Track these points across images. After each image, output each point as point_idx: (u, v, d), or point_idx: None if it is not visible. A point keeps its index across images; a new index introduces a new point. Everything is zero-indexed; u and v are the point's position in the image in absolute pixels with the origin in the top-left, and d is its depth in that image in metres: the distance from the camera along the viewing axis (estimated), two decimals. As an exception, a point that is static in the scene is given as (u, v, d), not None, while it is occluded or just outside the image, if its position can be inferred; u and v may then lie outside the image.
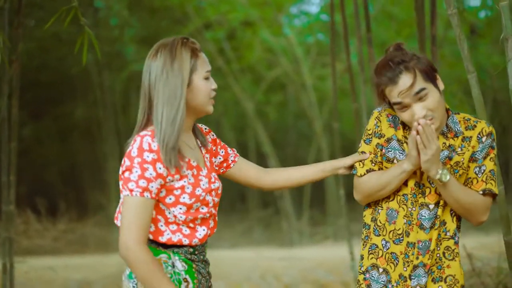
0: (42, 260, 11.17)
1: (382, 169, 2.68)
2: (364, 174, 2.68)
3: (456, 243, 2.67)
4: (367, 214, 2.73)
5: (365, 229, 2.73)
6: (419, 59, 2.56)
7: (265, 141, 16.50)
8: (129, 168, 2.35)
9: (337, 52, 9.38)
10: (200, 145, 2.59)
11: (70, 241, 14.57)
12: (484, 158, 2.65)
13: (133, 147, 2.35)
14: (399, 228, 2.64)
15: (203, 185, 2.44)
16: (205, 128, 2.69)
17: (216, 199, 2.52)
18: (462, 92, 10.06)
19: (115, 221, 2.53)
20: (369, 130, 2.71)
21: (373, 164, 2.69)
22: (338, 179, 8.72)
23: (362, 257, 2.73)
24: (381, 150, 2.68)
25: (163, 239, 2.40)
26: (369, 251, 2.70)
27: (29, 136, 17.21)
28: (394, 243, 2.65)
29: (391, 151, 2.67)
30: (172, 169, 2.36)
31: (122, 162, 2.40)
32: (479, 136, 2.64)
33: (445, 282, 2.64)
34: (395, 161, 2.65)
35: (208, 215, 2.46)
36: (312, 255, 11.55)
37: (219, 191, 2.54)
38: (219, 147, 2.73)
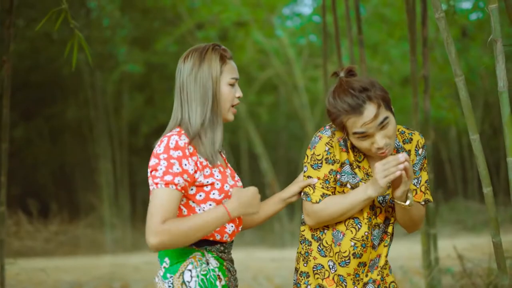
0: (33, 261, 11.15)
1: (334, 193, 2.64)
2: (319, 200, 2.61)
3: (391, 240, 2.70)
4: (306, 230, 2.68)
5: (305, 244, 2.68)
6: (378, 86, 2.52)
7: (257, 142, 16.52)
8: (155, 166, 2.39)
9: (329, 54, 9.39)
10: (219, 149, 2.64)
11: (61, 242, 14.54)
12: (420, 169, 2.66)
13: (160, 147, 2.42)
14: (345, 251, 2.60)
15: (230, 181, 2.50)
16: None
17: None
18: (453, 95, 10.10)
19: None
20: (319, 155, 2.62)
21: (326, 189, 2.62)
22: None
23: (307, 275, 2.67)
24: (335, 175, 2.62)
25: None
26: (314, 270, 2.64)
27: (21, 136, 17.16)
28: (340, 266, 2.61)
29: (344, 175, 2.62)
30: (212, 161, 2.45)
31: (150, 162, 2.44)
32: (416, 148, 2.66)
33: None
34: (348, 185, 2.61)
35: None
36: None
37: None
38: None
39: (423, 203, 2.66)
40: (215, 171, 2.47)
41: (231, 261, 2.56)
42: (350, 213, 2.58)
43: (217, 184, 2.45)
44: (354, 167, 2.62)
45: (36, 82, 16.52)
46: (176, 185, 2.36)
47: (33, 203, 15.47)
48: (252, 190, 2.46)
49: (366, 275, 2.61)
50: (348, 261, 2.60)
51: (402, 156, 2.45)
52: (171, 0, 14.97)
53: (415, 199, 2.65)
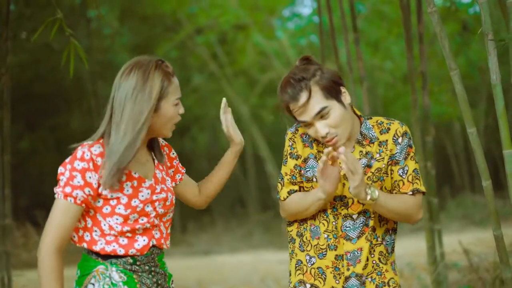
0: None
1: (303, 188, 2.66)
2: (286, 197, 2.65)
3: (386, 246, 2.63)
4: (293, 229, 2.70)
5: (291, 243, 2.71)
6: (322, 75, 2.51)
7: (262, 145, 16.52)
8: (59, 175, 2.40)
9: (328, 53, 9.39)
10: (153, 158, 2.59)
11: (69, 252, 14.52)
12: (405, 158, 2.59)
13: (71, 156, 2.41)
14: (322, 244, 2.61)
15: (142, 196, 2.44)
16: (162, 142, 2.69)
17: (161, 210, 2.50)
18: (451, 90, 10.08)
19: None
20: (285, 151, 2.68)
21: (293, 185, 2.65)
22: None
23: (290, 273, 2.71)
24: (300, 171, 2.64)
25: (96, 248, 2.42)
26: (295, 267, 2.67)
27: (26, 148, 17.21)
28: (319, 258, 2.62)
29: (309, 170, 2.63)
30: (110, 187, 2.38)
31: (58, 168, 2.44)
32: (394, 138, 2.58)
33: (389, 285, 2.62)
34: (314, 179, 2.61)
35: (149, 225, 2.46)
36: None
37: (167, 203, 2.53)
38: (174, 164, 2.73)
39: (410, 193, 2.58)
40: (126, 185, 2.42)
41: (153, 272, 2.50)
42: (309, 211, 2.59)
43: (123, 198, 2.41)
44: (316, 159, 2.62)
45: (39, 93, 16.56)
46: (74, 198, 2.36)
47: (40, 214, 15.49)
48: None
49: (348, 269, 2.59)
50: (325, 253, 2.61)
51: (341, 149, 2.42)
52: (170, 6, 15.00)
53: (402, 190, 2.59)
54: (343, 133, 2.53)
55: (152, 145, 2.60)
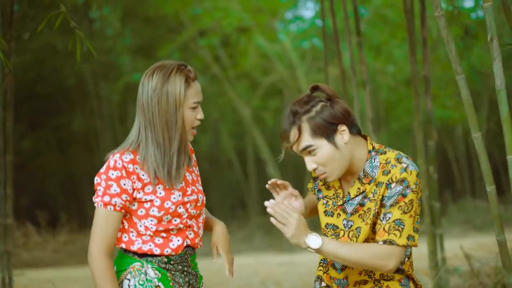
0: (42, 272, 11.15)
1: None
2: None
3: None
4: None
5: None
6: (318, 112, 2.48)
7: (263, 147, 16.51)
8: (97, 185, 2.53)
9: (331, 57, 9.39)
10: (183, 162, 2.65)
11: (70, 252, 14.54)
12: (392, 205, 2.46)
13: (104, 166, 2.53)
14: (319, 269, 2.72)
15: (174, 198, 2.53)
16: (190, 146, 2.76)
17: (194, 211, 2.60)
18: (458, 94, 10.08)
19: None
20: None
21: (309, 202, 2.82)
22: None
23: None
24: (314, 190, 2.78)
25: (134, 248, 2.54)
26: (320, 262, 2.78)
27: (28, 148, 17.22)
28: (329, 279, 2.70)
29: (318, 191, 2.74)
30: (176, 183, 2.52)
31: (95, 179, 2.56)
32: (388, 182, 2.47)
33: None
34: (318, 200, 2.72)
35: (182, 226, 2.56)
36: (312, 260, 11.52)
37: (199, 204, 2.62)
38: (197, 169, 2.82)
39: (381, 242, 2.46)
40: (158, 187, 2.52)
41: (186, 272, 2.60)
42: None
43: (156, 201, 2.51)
44: (322, 183, 2.68)
45: (41, 94, 16.58)
46: (114, 205, 2.49)
47: (41, 214, 15.51)
48: None
49: None
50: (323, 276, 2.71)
51: (267, 203, 2.45)
52: (173, 8, 15.01)
53: (376, 236, 2.49)
54: (333, 171, 2.51)
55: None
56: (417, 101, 5.40)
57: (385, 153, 2.54)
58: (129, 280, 2.53)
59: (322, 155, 2.48)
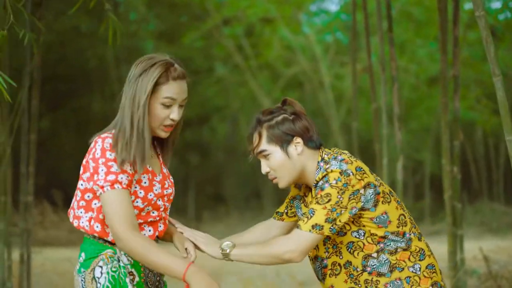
0: (57, 251, 11.24)
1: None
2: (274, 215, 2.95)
3: (370, 272, 2.63)
4: None
5: None
6: (277, 122, 2.68)
7: (281, 139, 16.50)
8: (96, 169, 2.46)
9: (357, 52, 9.35)
10: (158, 153, 2.68)
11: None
12: (311, 202, 2.65)
13: (96, 149, 2.48)
14: None
15: (156, 190, 2.54)
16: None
17: (167, 204, 2.62)
18: (484, 95, 10.02)
19: (68, 216, 2.64)
20: None
21: (281, 209, 2.94)
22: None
23: None
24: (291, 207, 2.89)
25: (109, 238, 2.49)
26: None
27: (47, 128, 17.31)
28: None
29: (296, 209, 2.83)
30: (137, 168, 2.46)
31: (85, 163, 2.52)
32: (314, 185, 2.66)
33: None
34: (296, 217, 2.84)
35: (158, 218, 2.57)
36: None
37: (171, 197, 2.65)
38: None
39: (295, 229, 2.62)
40: (144, 177, 2.51)
41: None
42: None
43: (140, 192, 2.50)
44: (301, 201, 2.80)
45: (63, 75, 16.64)
46: (120, 183, 2.42)
47: (58, 194, 15.60)
48: (215, 285, 2.43)
49: None
50: None
51: (173, 222, 2.74)
52: (199, -5, 15.03)
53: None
54: (282, 177, 2.69)
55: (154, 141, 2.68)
56: (445, 100, 5.36)
57: (328, 161, 2.66)
58: (101, 267, 2.48)
59: (274, 161, 2.68)
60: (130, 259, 2.49)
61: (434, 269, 2.66)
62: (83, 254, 2.52)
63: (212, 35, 16.04)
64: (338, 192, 2.54)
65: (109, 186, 2.42)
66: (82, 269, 2.50)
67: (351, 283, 2.64)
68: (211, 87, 17.61)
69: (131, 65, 2.57)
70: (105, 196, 2.42)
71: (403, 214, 2.64)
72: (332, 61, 16.64)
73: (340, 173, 2.56)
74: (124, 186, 2.42)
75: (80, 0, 4.07)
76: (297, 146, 2.68)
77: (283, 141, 2.67)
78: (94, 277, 2.47)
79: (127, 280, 2.48)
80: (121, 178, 2.42)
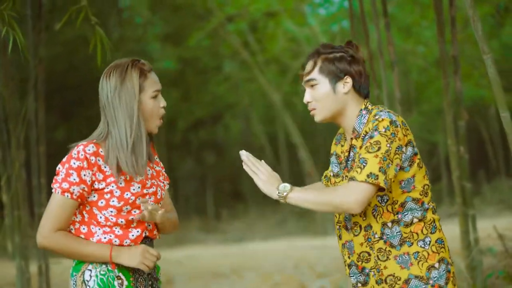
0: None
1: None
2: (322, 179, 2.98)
3: (385, 241, 2.65)
4: None
5: None
6: (334, 56, 2.70)
7: (294, 132, 16.51)
8: (58, 171, 2.60)
9: (358, 38, 9.32)
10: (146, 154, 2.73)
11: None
12: (360, 147, 2.64)
13: (68, 155, 2.60)
14: (337, 234, 2.82)
15: (133, 189, 2.61)
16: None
17: (152, 203, 2.64)
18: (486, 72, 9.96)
19: None
20: None
21: (328, 171, 2.93)
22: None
23: None
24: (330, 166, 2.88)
25: (93, 239, 2.59)
26: None
27: (61, 138, 17.41)
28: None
29: (332, 165, 2.84)
30: (139, 174, 2.58)
31: (57, 166, 2.63)
32: (363, 135, 2.66)
33: (386, 282, 2.66)
34: (331, 174, 2.84)
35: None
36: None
37: (158, 197, 2.70)
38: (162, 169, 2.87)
39: (348, 181, 2.61)
40: (120, 178, 2.60)
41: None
42: None
43: (116, 192, 2.59)
44: (339, 156, 2.82)
45: (73, 84, 16.74)
46: (71, 194, 2.56)
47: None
48: (141, 248, 2.59)
49: (349, 257, 2.73)
50: (338, 242, 2.82)
51: (241, 152, 2.69)
52: (201, -5, 15.05)
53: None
54: (321, 110, 2.73)
55: None
56: (446, 81, 5.35)
57: (374, 110, 2.70)
58: (90, 270, 2.58)
59: (319, 91, 2.71)
60: (117, 263, 2.59)
61: (443, 244, 2.68)
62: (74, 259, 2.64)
63: (217, 33, 16.06)
64: (387, 141, 2.57)
65: (60, 191, 2.56)
66: (74, 273, 2.61)
67: (366, 247, 2.67)
68: (221, 85, 17.63)
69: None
70: (52, 197, 2.58)
71: (427, 184, 2.68)
72: (339, 51, 16.58)
73: (390, 122, 2.59)
74: (74, 197, 2.56)
75: (65, 16, 4.09)
76: (345, 85, 2.70)
77: (334, 76, 2.69)
78: (84, 280, 2.58)
79: (116, 283, 2.58)
80: (73, 189, 2.55)
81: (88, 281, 2.57)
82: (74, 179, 2.54)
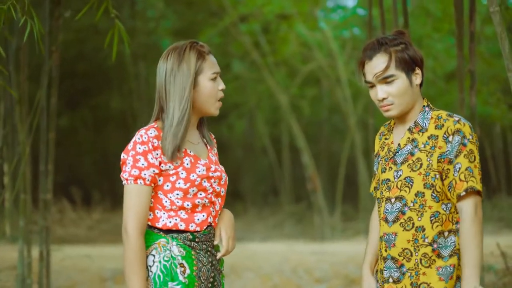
0: (77, 248, 11.33)
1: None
2: (372, 191, 2.87)
3: (435, 250, 2.60)
4: None
5: None
6: (404, 48, 2.64)
7: (299, 135, 16.51)
8: (124, 160, 2.58)
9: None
10: (205, 142, 2.75)
11: (104, 230, 14.73)
12: (456, 156, 2.58)
13: (131, 141, 2.59)
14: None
15: (199, 171, 2.60)
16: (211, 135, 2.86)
17: (218, 188, 2.66)
18: (500, 91, 9.95)
19: None
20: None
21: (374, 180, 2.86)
22: (371, 176, 8.68)
23: None
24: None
25: (159, 225, 2.58)
26: None
27: (66, 125, 17.43)
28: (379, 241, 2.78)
29: (376, 165, 2.81)
30: (170, 158, 2.56)
31: (121, 155, 2.62)
32: (444, 135, 2.60)
33: None
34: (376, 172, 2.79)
35: (207, 201, 2.62)
36: (344, 250, 11.55)
37: (222, 182, 2.68)
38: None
39: (463, 193, 2.56)
40: (185, 159, 2.59)
41: (209, 252, 2.64)
42: None
43: (182, 173, 2.58)
44: (379, 158, 2.77)
45: (81, 72, 16.76)
46: (144, 179, 2.54)
47: (76, 191, 15.72)
48: None
49: (386, 250, 2.67)
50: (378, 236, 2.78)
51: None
52: (216, -8, 15.05)
53: (456, 189, 2.57)
54: (399, 105, 2.64)
55: (202, 131, 2.76)
56: (462, 95, 5.34)
57: (435, 110, 2.69)
58: (153, 256, 2.56)
59: (398, 86, 2.62)
60: (181, 250, 2.57)
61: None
62: None
63: (229, 32, 16.06)
64: (476, 149, 2.60)
65: (132, 180, 2.54)
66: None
67: (411, 246, 2.62)
68: (229, 84, 17.61)
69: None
70: (126, 189, 2.55)
71: None
72: (349, 57, 16.60)
73: (470, 128, 2.60)
74: (147, 182, 2.54)
75: (86, 6, 4.07)
76: (417, 76, 2.66)
77: (409, 68, 2.63)
78: (147, 266, 2.55)
79: (178, 271, 2.55)
80: (145, 174, 2.53)
81: (150, 266, 2.56)
82: (143, 164, 2.53)
